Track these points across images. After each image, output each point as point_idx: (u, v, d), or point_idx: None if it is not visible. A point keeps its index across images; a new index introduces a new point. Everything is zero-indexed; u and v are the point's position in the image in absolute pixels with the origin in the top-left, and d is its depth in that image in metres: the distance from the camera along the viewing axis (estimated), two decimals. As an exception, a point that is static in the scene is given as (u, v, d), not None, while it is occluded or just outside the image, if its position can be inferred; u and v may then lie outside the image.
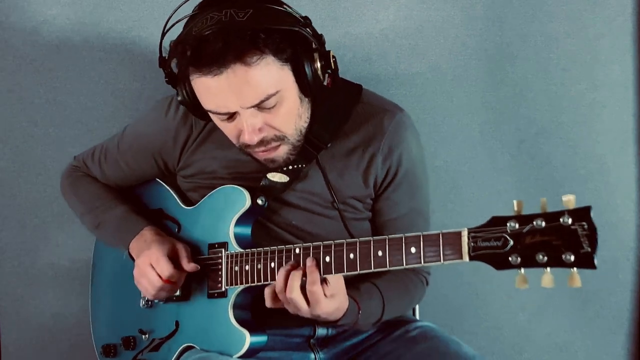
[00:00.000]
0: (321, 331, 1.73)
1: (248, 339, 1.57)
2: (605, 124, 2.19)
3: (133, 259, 1.71)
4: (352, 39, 2.15)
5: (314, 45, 1.54)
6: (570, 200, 1.24)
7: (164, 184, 1.81)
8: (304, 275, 1.48)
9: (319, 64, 1.55)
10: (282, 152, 1.59)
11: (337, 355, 1.74)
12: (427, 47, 2.16)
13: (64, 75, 2.13)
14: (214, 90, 1.49)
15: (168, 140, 1.73)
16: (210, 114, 1.58)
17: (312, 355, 1.73)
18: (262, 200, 1.64)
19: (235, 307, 1.61)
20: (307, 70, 1.54)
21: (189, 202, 1.75)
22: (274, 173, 1.64)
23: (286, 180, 1.64)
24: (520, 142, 2.20)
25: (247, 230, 1.65)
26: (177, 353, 1.67)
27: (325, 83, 1.59)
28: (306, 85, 1.55)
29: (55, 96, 2.14)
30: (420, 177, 1.77)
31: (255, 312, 1.64)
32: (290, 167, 1.64)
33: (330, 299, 1.49)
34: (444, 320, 1.86)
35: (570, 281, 1.23)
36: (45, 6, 2.11)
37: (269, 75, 1.50)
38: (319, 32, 1.59)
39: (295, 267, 1.50)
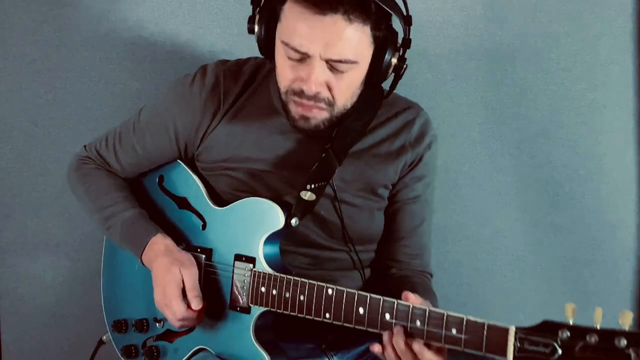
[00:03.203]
0: (332, 337, 1.72)
1: None
2: (605, 124, 2.19)
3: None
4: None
5: (399, 44, 1.58)
6: (628, 320, 1.19)
7: (191, 174, 1.74)
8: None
9: (394, 62, 1.58)
10: (321, 116, 1.57)
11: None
12: (427, 47, 2.16)
13: (64, 75, 2.13)
14: (306, 26, 1.48)
15: (195, 113, 1.68)
16: (283, 46, 1.53)
17: None
18: (295, 221, 1.60)
19: (257, 325, 1.58)
20: (384, 62, 1.56)
21: (216, 200, 1.70)
22: (305, 192, 1.61)
23: (314, 199, 1.62)
24: (520, 142, 2.20)
25: (275, 249, 1.62)
26: (190, 352, 1.66)
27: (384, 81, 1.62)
28: (373, 74, 1.58)
29: (55, 96, 2.14)
30: (435, 171, 1.79)
31: None
32: (316, 185, 1.62)
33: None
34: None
35: None
36: (46, 6, 2.11)
37: (359, 44, 1.51)
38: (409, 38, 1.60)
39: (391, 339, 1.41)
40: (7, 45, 2.12)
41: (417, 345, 1.38)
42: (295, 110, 1.58)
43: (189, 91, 1.69)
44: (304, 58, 1.51)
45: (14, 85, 2.14)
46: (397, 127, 1.72)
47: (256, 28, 1.58)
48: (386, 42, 1.56)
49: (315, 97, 1.54)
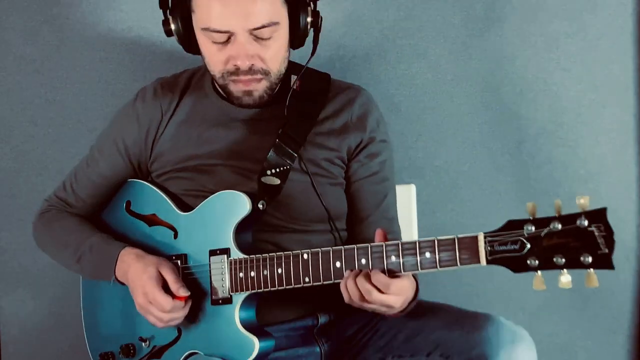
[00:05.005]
0: (323, 319, 1.73)
1: (257, 346, 1.56)
2: (605, 124, 2.19)
3: (122, 283, 1.69)
4: (352, 39, 2.15)
5: (309, 0, 1.64)
6: (585, 202, 1.24)
7: (155, 188, 1.76)
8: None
9: (310, 18, 1.64)
10: (262, 86, 1.64)
11: (341, 345, 1.74)
12: (427, 47, 2.16)
13: (64, 75, 2.14)
14: (219, 6, 1.54)
15: (140, 126, 1.75)
16: (205, 33, 1.58)
17: (318, 349, 1.72)
18: (262, 205, 1.62)
19: (242, 312, 1.59)
20: (301, 19, 1.63)
21: (183, 207, 1.71)
22: (267, 177, 1.65)
23: (278, 183, 1.65)
24: (520, 142, 2.20)
25: (248, 235, 1.63)
26: (182, 359, 1.65)
27: (310, 37, 1.67)
28: (294, 34, 1.64)
29: (55, 96, 2.14)
30: (389, 149, 1.80)
31: (257, 309, 1.63)
32: (279, 170, 1.66)
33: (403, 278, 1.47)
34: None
35: (587, 281, 1.23)
36: (46, 6, 2.11)
37: (272, 5, 1.58)
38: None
39: (357, 273, 1.47)
40: (7, 45, 2.12)
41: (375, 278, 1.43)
42: (236, 88, 1.64)
43: (132, 109, 1.78)
44: (228, 38, 1.57)
45: (14, 85, 2.14)
46: (337, 106, 1.75)
47: (173, 27, 1.65)
48: (297, 2, 1.62)
49: (250, 71, 1.61)
